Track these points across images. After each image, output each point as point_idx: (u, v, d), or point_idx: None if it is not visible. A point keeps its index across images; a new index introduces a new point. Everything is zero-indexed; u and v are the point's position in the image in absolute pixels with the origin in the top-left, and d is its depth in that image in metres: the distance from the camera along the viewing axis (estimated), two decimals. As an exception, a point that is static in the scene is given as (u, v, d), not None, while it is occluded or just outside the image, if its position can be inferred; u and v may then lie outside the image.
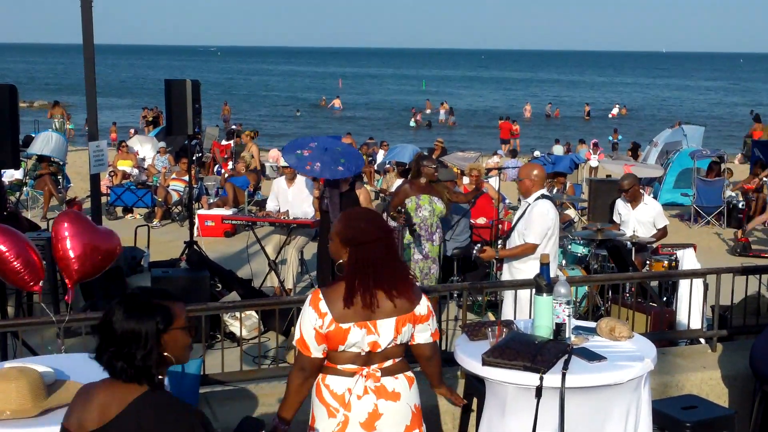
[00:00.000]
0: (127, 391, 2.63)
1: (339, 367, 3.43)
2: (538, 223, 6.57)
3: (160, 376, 2.68)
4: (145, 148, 21.55)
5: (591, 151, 23.24)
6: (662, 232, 9.09)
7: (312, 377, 3.47)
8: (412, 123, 43.84)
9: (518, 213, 6.93)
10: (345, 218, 3.52)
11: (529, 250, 6.60)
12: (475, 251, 8.37)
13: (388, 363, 3.45)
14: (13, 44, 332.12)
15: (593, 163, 21.91)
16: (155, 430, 2.59)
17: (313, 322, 3.38)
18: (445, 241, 9.27)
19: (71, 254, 5.82)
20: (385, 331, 3.39)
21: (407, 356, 3.57)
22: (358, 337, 3.36)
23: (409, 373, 3.53)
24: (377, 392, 3.41)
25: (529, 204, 6.69)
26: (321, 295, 3.41)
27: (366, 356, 3.41)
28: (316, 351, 3.41)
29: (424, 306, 3.49)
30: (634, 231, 8.84)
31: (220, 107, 42.81)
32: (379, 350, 3.40)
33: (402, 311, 3.42)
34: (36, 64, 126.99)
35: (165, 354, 2.66)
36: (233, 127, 28.91)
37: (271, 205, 10.33)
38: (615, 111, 51.68)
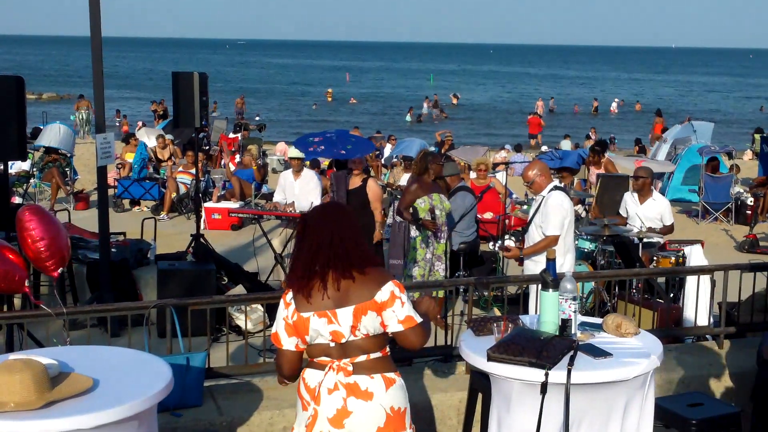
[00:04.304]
0: None
1: (315, 360, 3.43)
2: (554, 214, 6.69)
3: None
4: (152, 140, 21.55)
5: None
6: (668, 229, 9.03)
7: (289, 376, 3.49)
8: (408, 118, 43.63)
9: (534, 207, 7.03)
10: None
11: (552, 243, 6.65)
12: (497, 248, 8.33)
13: (362, 358, 3.35)
14: (21, 36, 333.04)
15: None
16: None
17: (282, 314, 3.43)
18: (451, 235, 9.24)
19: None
20: (345, 321, 3.32)
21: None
22: (318, 326, 3.34)
23: (391, 375, 3.40)
24: (348, 389, 3.33)
25: (544, 197, 6.80)
26: (290, 287, 3.45)
27: (338, 348, 3.36)
28: (288, 343, 3.42)
29: (386, 292, 3.33)
30: (641, 226, 8.79)
31: (230, 100, 42.72)
32: (343, 340, 3.34)
33: (360, 299, 3.32)
34: (47, 56, 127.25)
35: None
36: (247, 119, 28.89)
37: (278, 198, 10.32)
38: (614, 106, 51.71)
